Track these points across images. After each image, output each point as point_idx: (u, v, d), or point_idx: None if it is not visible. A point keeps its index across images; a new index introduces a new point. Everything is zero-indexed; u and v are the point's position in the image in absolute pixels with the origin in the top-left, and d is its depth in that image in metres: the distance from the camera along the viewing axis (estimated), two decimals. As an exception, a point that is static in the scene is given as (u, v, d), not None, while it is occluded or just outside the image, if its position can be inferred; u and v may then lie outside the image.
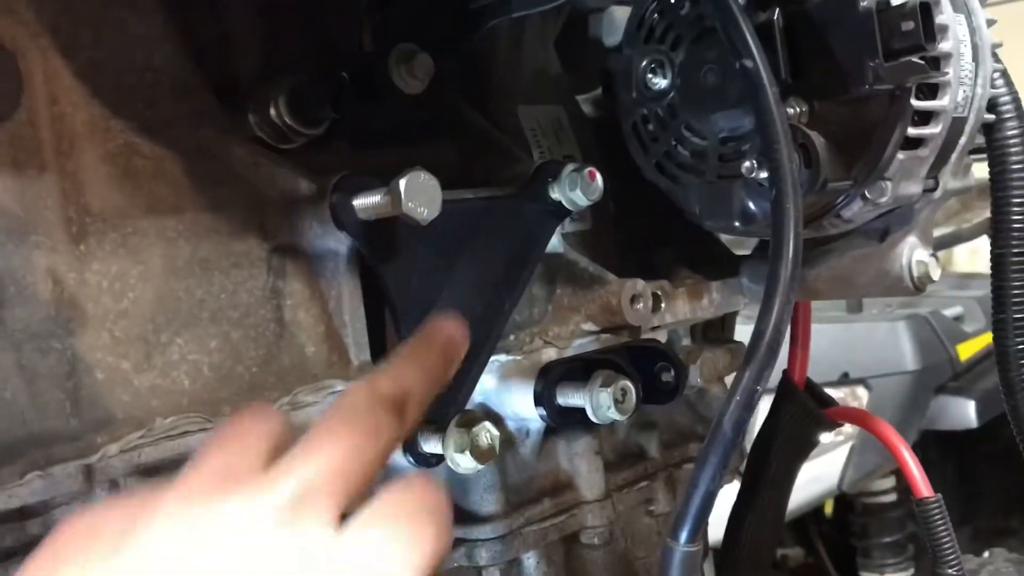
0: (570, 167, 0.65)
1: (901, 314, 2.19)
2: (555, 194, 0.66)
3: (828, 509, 2.46)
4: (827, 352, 2.05)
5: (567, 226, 0.75)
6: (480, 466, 0.56)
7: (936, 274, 0.71)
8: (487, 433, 0.56)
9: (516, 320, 0.68)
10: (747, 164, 0.61)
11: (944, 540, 0.76)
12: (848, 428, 2.10)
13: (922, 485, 0.78)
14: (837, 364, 2.08)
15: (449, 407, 0.59)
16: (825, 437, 2.37)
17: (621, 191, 0.79)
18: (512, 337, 0.67)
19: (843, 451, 2.05)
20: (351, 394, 0.42)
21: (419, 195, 0.54)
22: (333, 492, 0.37)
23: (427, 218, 0.54)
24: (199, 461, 0.39)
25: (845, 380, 2.09)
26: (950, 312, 2.27)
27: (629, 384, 0.63)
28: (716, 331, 0.87)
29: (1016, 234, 0.70)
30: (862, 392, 2.08)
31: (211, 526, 0.35)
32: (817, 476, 2.03)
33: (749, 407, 0.56)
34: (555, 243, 0.71)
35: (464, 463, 0.56)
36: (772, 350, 0.55)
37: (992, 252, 0.72)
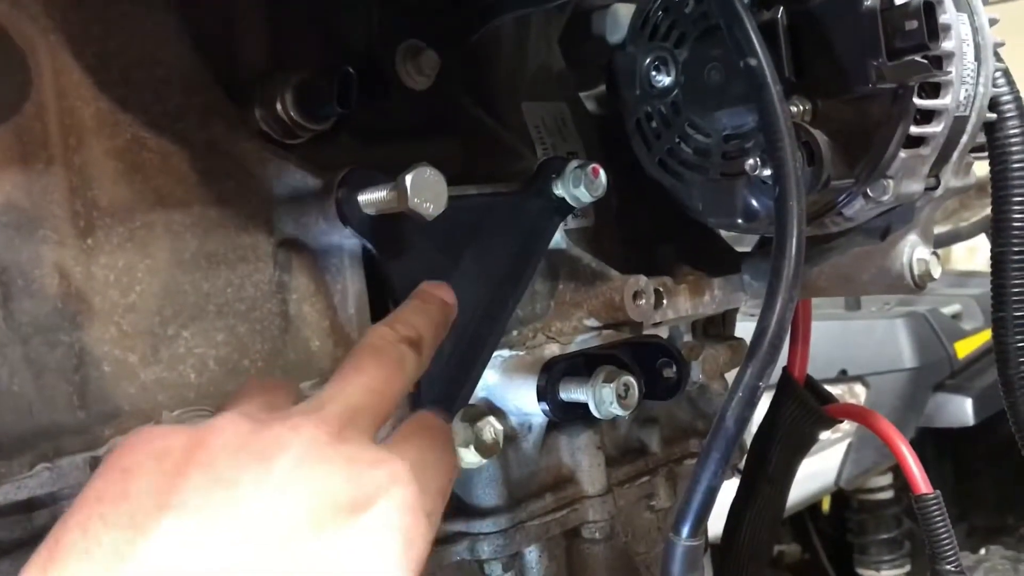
0: (574, 164, 0.66)
1: (899, 312, 2.20)
2: (559, 190, 0.66)
3: (825, 506, 2.47)
4: (825, 349, 2.05)
5: (570, 222, 0.76)
6: (484, 460, 0.57)
7: (937, 272, 0.71)
8: (491, 428, 0.56)
9: (519, 315, 0.68)
10: (751, 162, 0.62)
11: (943, 537, 0.76)
12: (846, 425, 2.11)
13: (921, 481, 0.78)
14: (835, 361, 2.09)
15: (452, 402, 0.60)
16: (823, 434, 2.37)
17: (624, 188, 0.80)
18: (515, 332, 0.68)
19: (841, 448, 2.06)
20: (375, 333, 0.47)
21: (425, 191, 0.54)
22: (372, 414, 0.41)
23: (433, 214, 0.54)
24: (239, 402, 0.43)
25: (843, 377, 2.10)
26: (948, 310, 2.28)
27: (632, 380, 0.63)
28: (717, 327, 0.88)
29: (1016, 232, 0.70)
30: (860, 389, 2.09)
31: (271, 449, 0.38)
32: (815, 473, 2.03)
33: (751, 404, 0.56)
34: (558, 239, 0.72)
35: (468, 457, 0.56)
36: (775, 347, 0.56)
37: (992, 250, 0.72)
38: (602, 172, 0.65)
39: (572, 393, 0.64)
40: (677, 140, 0.70)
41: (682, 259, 0.80)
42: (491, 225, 0.64)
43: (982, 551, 2.26)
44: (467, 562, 0.64)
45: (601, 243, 0.79)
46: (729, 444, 0.55)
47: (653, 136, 0.72)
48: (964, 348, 2.19)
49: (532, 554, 0.66)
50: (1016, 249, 0.70)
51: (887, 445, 0.81)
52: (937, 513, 0.77)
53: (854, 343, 2.11)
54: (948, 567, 0.78)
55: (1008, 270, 0.71)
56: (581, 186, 0.65)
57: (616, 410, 0.62)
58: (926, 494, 0.77)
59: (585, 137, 0.81)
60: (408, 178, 0.53)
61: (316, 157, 0.61)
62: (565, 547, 0.69)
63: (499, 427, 0.57)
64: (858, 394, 2.08)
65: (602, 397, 0.62)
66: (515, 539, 0.64)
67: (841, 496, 2.37)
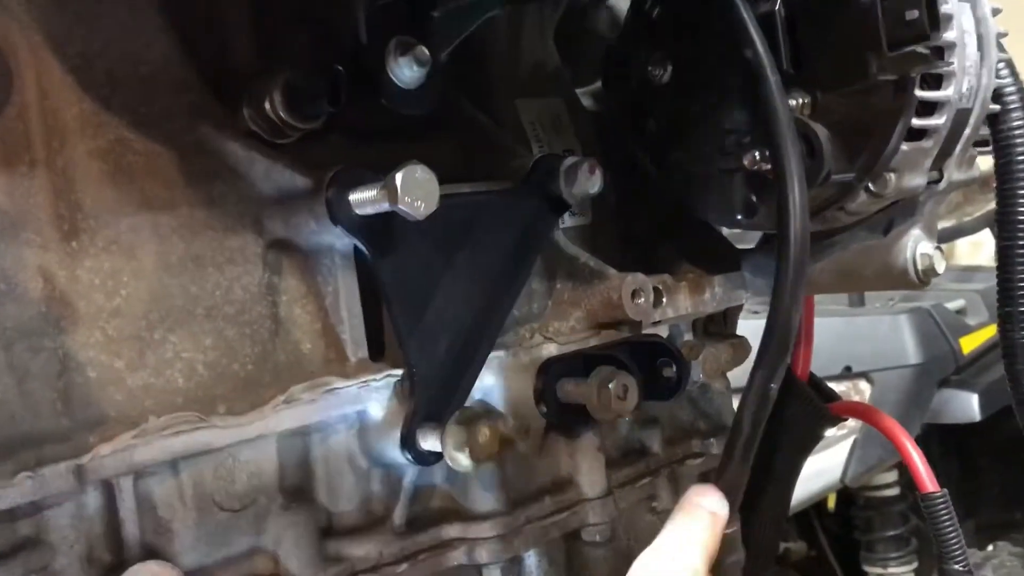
0: (569, 161, 0.64)
1: (903, 307, 2.18)
2: (555, 188, 0.65)
3: (831, 503, 2.45)
4: (829, 346, 2.03)
5: (567, 220, 0.74)
6: (480, 464, 0.55)
7: (941, 267, 0.70)
8: (486, 430, 0.55)
9: (516, 315, 0.67)
10: (750, 156, 0.61)
11: (950, 535, 0.75)
12: (851, 422, 2.09)
13: (927, 479, 0.77)
14: (839, 358, 2.07)
15: (448, 404, 0.59)
16: (828, 431, 2.33)
17: (622, 185, 0.78)
18: (512, 333, 0.66)
19: (846, 445, 2.04)
20: None
21: (416, 189, 0.53)
22: None
23: (424, 212, 0.53)
24: None
25: (847, 374, 2.08)
26: (953, 305, 2.26)
27: (631, 380, 0.62)
28: (718, 326, 0.86)
29: (1022, 225, 0.69)
30: (864, 386, 2.07)
31: None
32: (820, 470, 2.02)
33: (764, 405, 0.56)
34: (555, 238, 0.71)
35: (463, 461, 0.55)
36: (784, 345, 0.55)
37: (998, 244, 0.71)
38: (598, 168, 0.64)
39: (570, 395, 0.63)
40: (675, 136, 0.69)
41: (682, 257, 0.79)
42: (485, 224, 0.62)
43: (989, 548, 2.24)
44: (465, 568, 0.62)
45: (599, 241, 0.77)
46: (747, 446, 0.55)
47: (650, 132, 0.71)
48: (969, 343, 2.16)
49: (531, 559, 0.64)
50: (1022, 242, 0.69)
51: (892, 443, 0.80)
52: (944, 511, 0.75)
53: (858, 339, 2.09)
54: (956, 567, 0.77)
55: (1014, 264, 0.70)
56: (577, 183, 0.64)
57: (616, 411, 0.61)
58: (932, 492, 0.76)
59: (582, 134, 0.80)
60: (398, 176, 0.52)
61: (306, 157, 0.59)
62: (565, 551, 0.68)
63: (495, 429, 0.55)
64: (862, 391, 2.06)
65: (600, 398, 0.60)
66: (513, 544, 0.62)
67: (847, 493, 2.35)
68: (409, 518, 0.61)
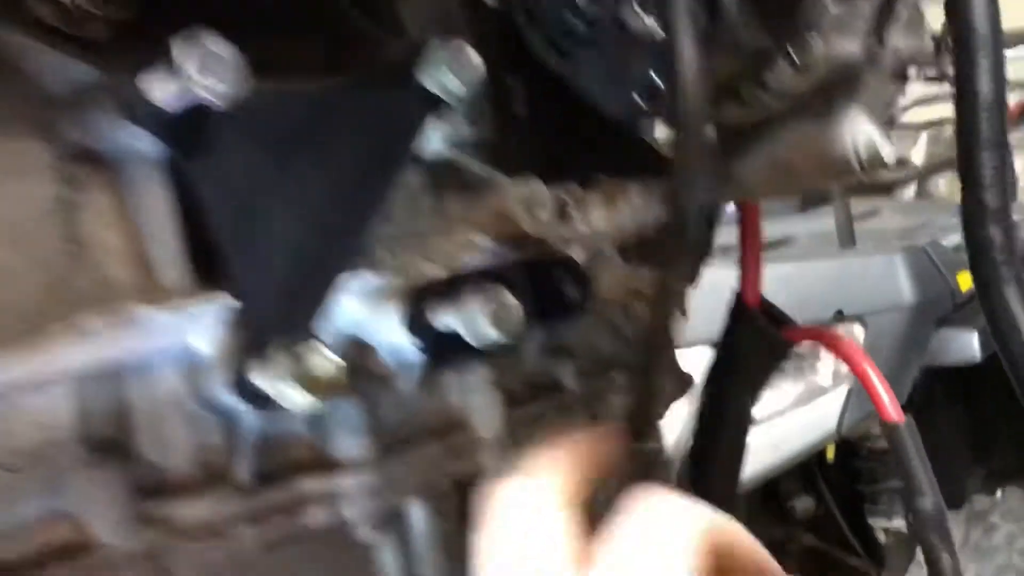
0: (436, 46, 0.55)
1: (897, 246, 2.08)
2: (423, 79, 0.55)
3: (830, 455, 2.37)
4: (819, 290, 1.94)
5: (464, 133, 0.64)
6: (319, 400, 0.46)
7: (888, 153, 0.60)
8: (322, 360, 0.46)
9: (393, 234, 0.57)
10: (638, 20, 0.51)
11: (916, 469, 0.66)
12: (846, 370, 1.99)
13: (890, 408, 0.68)
14: (831, 302, 1.97)
15: (290, 335, 0.49)
16: (823, 379, 2.23)
17: (535, 94, 0.68)
18: (388, 253, 0.57)
19: (840, 393, 1.95)
20: None
21: (213, 68, 0.43)
22: None
23: (226, 96, 0.44)
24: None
25: (840, 318, 1.98)
26: (949, 241, 2.16)
27: (511, 299, 0.52)
28: (651, 250, 0.76)
29: (984, 103, 0.59)
30: (858, 330, 1.97)
31: None
32: (814, 421, 1.93)
33: (664, 301, 0.47)
34: (445, 150, 0.61)
35: (297, 398, 0.46)
36: (680, 229, 0.45)
37: (956, 126, 0.61)
38: (468, 50, 0.54)
39: (445, 321, 0.53)
40: (568, 14, 0.59)
41: (595, 164, 0.69)
42: (333, 123, 0.53)
43: (998, 494, 2.15)
44: (333, 529, 0.53)
45: (505, 156, 0.67)
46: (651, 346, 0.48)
47: (542, 14, 0.61)
48: (967, 280, 2.06)
49: (416, 513, 0.55)
50: (983, 121, 0.59)
51: (849, 367, 0.71)
52: (908, 443, 0.66)
53: (850, 282, 1.99)
54: (926, 504, 0.67)
55: (976, 153, 0.60)
56: (444, 72, 0.54)
57: (494, 335, 0.51)
58: (895, 423, 0.67)
59: (479, 33, 0.69)
60: (186, 53, 0.43)
61: (114, 54, 0.50)
62: (458, 502, 0.58)
63: (334, 359, 0.46)
64: (856, 335, 1.96)
65: (474, 321, 0.51)
66: (387, 496, 0.53)
67: (849, 445, 2.27)
68: (261, 472, 0.52)
